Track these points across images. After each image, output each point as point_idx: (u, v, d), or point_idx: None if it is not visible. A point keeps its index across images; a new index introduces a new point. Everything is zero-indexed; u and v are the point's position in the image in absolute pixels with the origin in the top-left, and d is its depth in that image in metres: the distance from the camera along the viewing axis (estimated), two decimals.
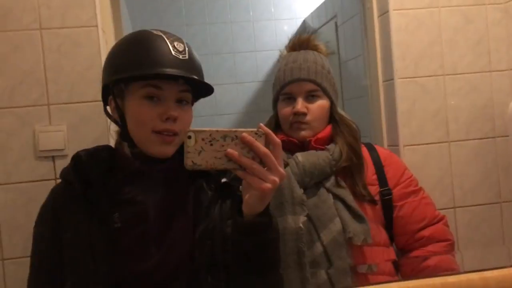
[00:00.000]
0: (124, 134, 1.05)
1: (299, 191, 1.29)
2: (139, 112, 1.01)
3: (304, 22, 3.55)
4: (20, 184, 1.53)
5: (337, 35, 2.74)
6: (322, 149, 1.35)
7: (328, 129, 1.39)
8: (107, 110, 1.11)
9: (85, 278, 0.99)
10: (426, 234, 1.37)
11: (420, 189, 1.43)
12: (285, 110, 1.37)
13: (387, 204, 1.37)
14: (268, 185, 0.83)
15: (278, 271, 1.03)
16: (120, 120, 1.05)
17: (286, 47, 1.48)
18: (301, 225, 1.26)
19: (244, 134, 0.82)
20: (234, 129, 0.83)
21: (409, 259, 1.40)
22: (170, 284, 1.01)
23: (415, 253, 1.38)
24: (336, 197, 1.31)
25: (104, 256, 0.99)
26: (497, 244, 1.80)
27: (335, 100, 1.41)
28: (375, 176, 1.38)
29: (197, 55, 1.08)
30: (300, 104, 1.34)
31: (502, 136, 1.82)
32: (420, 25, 1.78)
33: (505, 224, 1.84)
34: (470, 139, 1.81)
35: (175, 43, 1.03)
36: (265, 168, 0.84)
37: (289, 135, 1.37)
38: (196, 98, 1.12)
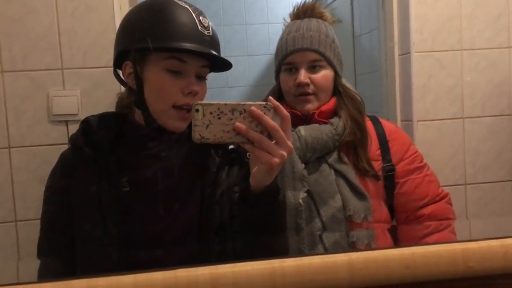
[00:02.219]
0: (139, 102, 1.04)
1: (300, 166, 1.27)
2: (161, 84, 1.00)
3: None
4: (33, 147, 1.54)
5: (352, 8, 2.69)
6: (326, 123, 1.32)
7: (332, 101, 1.35)
8: (118, 74, 1.10)
9: (94, 240, 1.00)
10: (427, 212, 1.34)
11: (425, 165, 1.39)
12: (288, 82, 1.33)
13: (390, 180, 1.34)
14: (276, 159, 0.83)
15: (284, 236, 1.05)
16: (137, 87, 1.04)
17: (290, 15, 1.43)
18: (300, 201, 1.24)
19: (252, 107, 0.82)
20: (242, 103, 0.82)
21: (408, 235, 1.39)
22: (179, 246, 1.02)
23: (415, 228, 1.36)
24: (338, 173, 1.28)
25: (113, 218, 1.00)
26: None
27: (339, 70, 1.36)
28: (379, 151, 1.34)
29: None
30: (303, 75, 1.30)
31: None
32: None
33: None
34: (485, 116, 1.79)
35: (201, 18, 1.02)
36: (273, 142, 0.83)
37: (293, 108, 1.33)
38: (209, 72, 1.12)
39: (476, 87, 1.78)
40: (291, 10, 1.42)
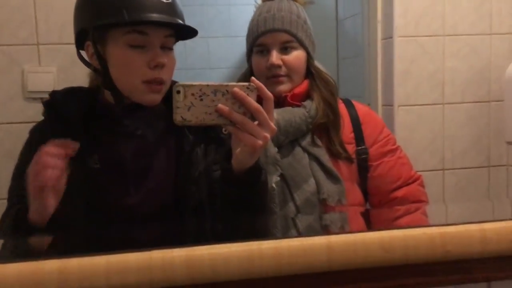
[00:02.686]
0: (106, 82, 1.00)
1: (273, 150, 1.25)
2: (125, 61, 0.97)
3: None
4: (7, 124, 1.50)
5: None
6: (298, 106, 1.30)
7: (305, 84, 1.32)
8: (81, 56, 1.05)
9: (61, 216, 0.97)
10: (399, 195, 1.34)
11: (398, 148, 1.38)
12: (260, 64, 1.30)
13: (363, 163, 1.33)
14: (259, 141, 0.82)
15: (265, 216, 1.05)
16: (102, 67, 1.00)
17: None
18: (273, 185, 1.22)
19: (235, 89, 0.80)
20: (225, 84, 0.81)
21: (380, 217, 1.38)
22: (152, 226, 1.01)
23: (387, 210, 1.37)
24: (312, 156, 1.27)
25: (81, 195, 0.97)
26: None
27: (311, 52, 1.34)
28: (352, 134, 1.33)
29: None
30: (274, 56, 1.27)
31: (496, 101, 1.82)
32: None
33: (492, 189, 1.86)
34: (464, 102, 1.81)
35: None
36: (256, 123, 0.82)
37: None
38: (176, 41, 1.08)
39: (457, 73, 1.79)
40: None
